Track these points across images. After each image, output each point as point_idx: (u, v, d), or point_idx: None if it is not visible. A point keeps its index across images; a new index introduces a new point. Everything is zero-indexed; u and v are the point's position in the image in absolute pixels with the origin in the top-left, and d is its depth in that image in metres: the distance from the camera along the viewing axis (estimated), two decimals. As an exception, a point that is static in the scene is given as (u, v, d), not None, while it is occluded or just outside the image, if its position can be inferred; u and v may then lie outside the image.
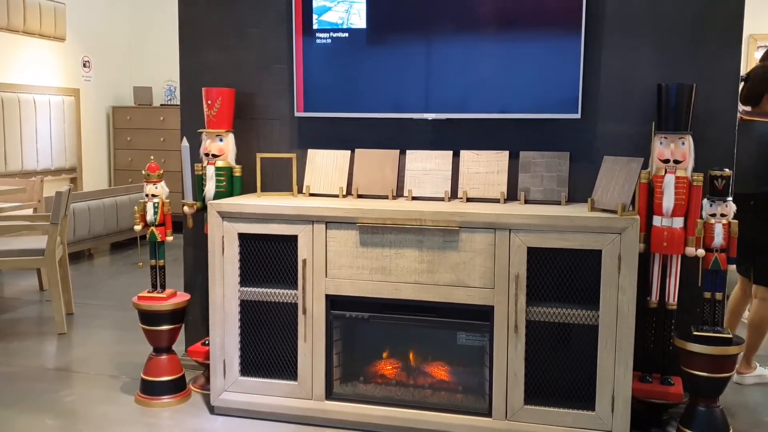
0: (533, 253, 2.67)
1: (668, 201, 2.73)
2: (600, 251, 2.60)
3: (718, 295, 2.70)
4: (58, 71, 7.21)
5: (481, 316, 2.75)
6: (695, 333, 2.69)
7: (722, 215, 2.68)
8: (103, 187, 7.78)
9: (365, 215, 2.80)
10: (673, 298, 2.85)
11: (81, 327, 4.39)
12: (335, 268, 2.86)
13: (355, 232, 2.83)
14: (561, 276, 2.70)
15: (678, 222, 2.75)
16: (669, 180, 2.74)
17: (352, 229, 2.83)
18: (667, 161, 2.75)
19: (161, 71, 7.95)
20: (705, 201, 2.70)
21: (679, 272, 2.83)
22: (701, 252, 2.68)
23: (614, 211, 2.65)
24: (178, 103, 7.82)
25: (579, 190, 3.01)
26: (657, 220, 2.78)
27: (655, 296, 2.87)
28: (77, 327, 4.39)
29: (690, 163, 2.76)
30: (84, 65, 7.58)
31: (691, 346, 2.67)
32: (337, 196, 3.17)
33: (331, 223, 2.84)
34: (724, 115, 2.90)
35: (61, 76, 7.26)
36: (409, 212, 2.76)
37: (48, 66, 7.07)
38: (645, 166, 2.77)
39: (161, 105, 7.96)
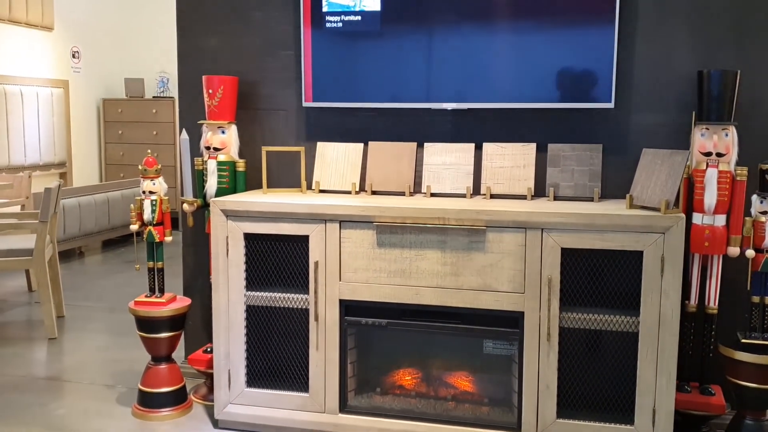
0: (567, 255, 2.50)
1: (710, 197, 2.55)
2: (641, 252, 2.42)
3: (768, 300, 2.53)
4: (46, 62, 7.07)
5: (509, 322, 2.60)
6: (743, 341, 2.52)
7: (773, 213, 2.49)
8: (94, 182, 7.68)
9: (383, 214, 2.62)
10: (713, 302, 2.68)
11: (73, 331, 4.26)
12: (350, 271, 2.68)
13: (371, 232, 2.64)
14: (597, 279, 2.53)
15: (720, 220, 2.57)
16: (711, 174, 2.55)
17: (368, 228, 2.65)
18: (708, 154, 2.57)
19: (153, 62, 7.81)
20: (754, 197, 2.53)
21: (720, 274, 2.64)
22: (751, 253, 2.50)
23: (656, 209, 2.46)
24: (171, 95, 7.68)
25: (612, 185, 2.84)
26: (697, 218, 2.60)
27: (693, 300, 2.70)
28: (69, 331, 4.25)
29: (733, 155, 2.58)
30: (73, 56, 7.44)
31: (738, 355, 2.51)
32: (349, 192, 2.99)
33: (345, 222, 2.67)
34: (769, 103, 2.72)
35: (50, 66, 7.12)
36: (431, 210, 2.58)
37: (35, 56, 6.93)
38: (685, 159, 2.59)
39: (153, 97, 7.84)
